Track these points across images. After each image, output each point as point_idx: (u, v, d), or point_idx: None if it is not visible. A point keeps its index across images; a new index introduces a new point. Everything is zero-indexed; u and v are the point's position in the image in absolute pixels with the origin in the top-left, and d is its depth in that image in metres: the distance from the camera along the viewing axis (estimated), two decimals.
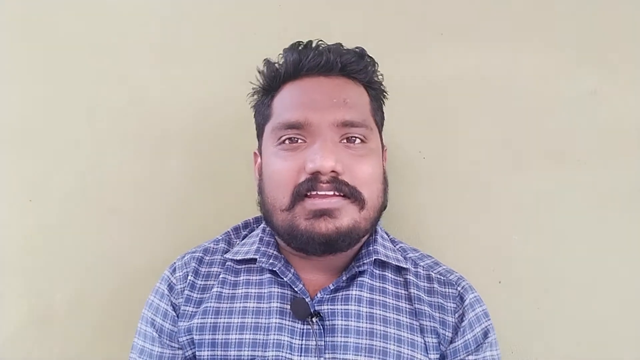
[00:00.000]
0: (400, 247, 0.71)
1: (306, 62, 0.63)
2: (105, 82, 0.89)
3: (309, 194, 0.58)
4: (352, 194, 0.59)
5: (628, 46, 0.82)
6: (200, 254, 0.68)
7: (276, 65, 0.66)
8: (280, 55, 0.66)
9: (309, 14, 0.88)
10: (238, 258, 0.66)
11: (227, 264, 0.67)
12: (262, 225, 0.70)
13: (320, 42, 0.66)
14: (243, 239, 0.71)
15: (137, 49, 0.89)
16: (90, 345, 0.85)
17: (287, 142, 0.61)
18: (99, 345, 0.85)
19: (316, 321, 0.60)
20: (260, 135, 0.68)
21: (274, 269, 0.63)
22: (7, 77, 0.89)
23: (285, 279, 0.63)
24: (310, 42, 0.66)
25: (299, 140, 0.61)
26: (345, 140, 0.61)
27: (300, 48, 0.65)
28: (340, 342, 0.60)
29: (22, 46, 0.89)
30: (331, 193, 0.58)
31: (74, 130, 0.88)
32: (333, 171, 0.58)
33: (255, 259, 0.64)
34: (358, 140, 0.62)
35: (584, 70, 0.83)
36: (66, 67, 0.89)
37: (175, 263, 0.69)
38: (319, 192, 0.58)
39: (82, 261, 0.86)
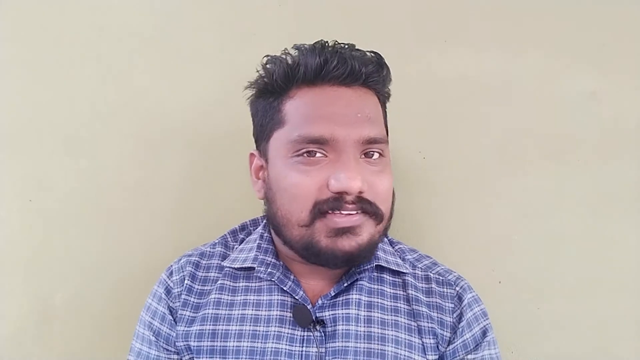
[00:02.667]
0: (398, 249, 0.70)
1: (329, 69, 0.58)
2: (105, 82, 0.89)
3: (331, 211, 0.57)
4: (373, 211, 0.58)
5: (627, 46, 0.82)
6: (197, 258, 0.68)
7: (288, 63, 0.60)
8: (288, 53, 0.61)
9: (309, 14, 0.88)
10: (236, 266, 0.65)
11: (225, 269, 0.66)
12: (259, 229, 0.69)
13: (338, 44, 0.61)
14: (240, 243, 0.70)
15: (136, 49, 0.89)
16: (90, 345, 0.85)
17: (305, 155, 0.57)
18: (99, 345, 0.85)
19: (318, 328, 0.60)
20: (263, 138, 0.63)
21: (272, 279, 0.62)
22: (7, 77, 0.89)
23: (284, 288, 0.62)
24: (328, 44, 0.61)
25: (318, 155, 0.57)
26: (364, 155, 0.59)
27: (321, 51, 0.59)
28: (341, 347, 0.59)
29: (22, 46, 0.89)
30: (355, 212, 0.57)
31: (74, 130, 0.88)
32: (359, 191, 0.56)
33: (254, 267, 0.64)
34: (377, 155, 0.60)
35: (583, 71, 0.83)
36: (66, 67, 0.89)
37: (172, 266, 0.68)
38: (343, 212, 0.56)
39: (82, 261, 0.86)
